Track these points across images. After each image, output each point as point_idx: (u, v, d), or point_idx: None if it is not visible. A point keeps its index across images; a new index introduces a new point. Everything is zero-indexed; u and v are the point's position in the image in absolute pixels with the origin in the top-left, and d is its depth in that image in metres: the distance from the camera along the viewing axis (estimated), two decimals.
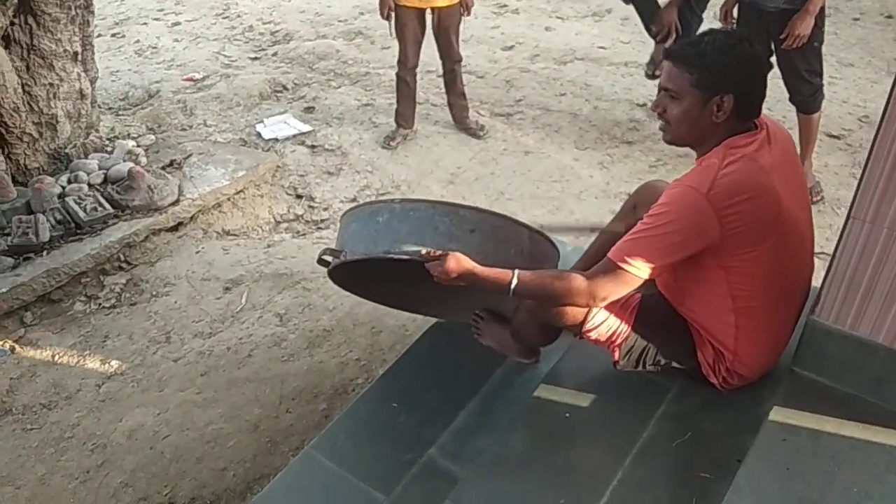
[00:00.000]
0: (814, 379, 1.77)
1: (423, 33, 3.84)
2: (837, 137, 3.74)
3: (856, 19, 5.02)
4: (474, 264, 1.70)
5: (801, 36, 3.04)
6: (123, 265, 3.09)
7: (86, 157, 3.51)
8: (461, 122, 4.08)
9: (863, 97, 4.12)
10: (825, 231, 3.08)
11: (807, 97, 3.26)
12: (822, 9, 3.10)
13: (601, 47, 4.95)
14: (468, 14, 3.80)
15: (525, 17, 5.47)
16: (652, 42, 4.24)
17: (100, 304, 2.94)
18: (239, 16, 5.96)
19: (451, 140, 4.04)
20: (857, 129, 3.85)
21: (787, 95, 3.44)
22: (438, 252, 1.72)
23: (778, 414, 1.68)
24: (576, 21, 5.41)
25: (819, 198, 3.34)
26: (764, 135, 1.64)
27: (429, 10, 3.74)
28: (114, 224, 3.12)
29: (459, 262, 1.69)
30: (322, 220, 3.39)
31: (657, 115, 1.71)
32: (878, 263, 1.57)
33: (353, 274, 2.04)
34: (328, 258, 1.91)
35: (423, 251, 1.73)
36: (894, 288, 1.58)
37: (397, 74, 3.97)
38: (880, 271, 1.57)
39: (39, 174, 3.39)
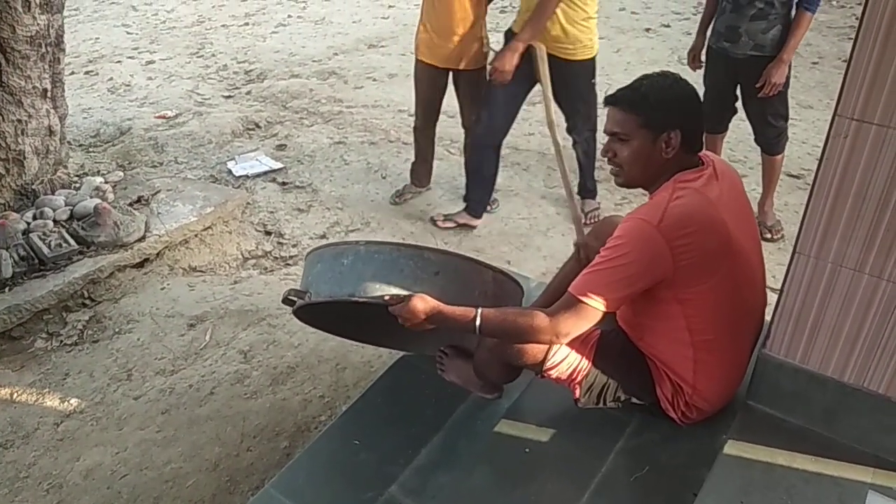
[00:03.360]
0: (767, 412, 1.79)
1: (438, 94, 3.57)
2: (797, 177, 3.85)
3: (815, 63, 5.21)
4: (438, 304, 1.72)
5: (776, 84, 3.15)
6: (87, 302, 3.06)
7: (52, 194, 3.49)
8: None
9: (821, 138, 4.19)
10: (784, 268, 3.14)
11: (771, 139, 3.36)
12: None
13: None
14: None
15: None
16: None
17: (61, 342, 2.90)
18: (213, 55, 6.03)
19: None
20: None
21: (749, 136, 3.55)
22: (403, 294, 1.74)
23: (732, 447, 1.70)
24: None
25: (780, 235, 3.42)
26: (710, 170, 1.71)
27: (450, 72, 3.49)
28: (78, 260, 3.09)
29: (425, 301, 1.71)
30: (290, 257, 3.40)
31: (608, 160, 1.77)
32: (824, 297, 1.61)
33: (318, 313, 2.05)
34: (293, 298, 1.92)
35: (387, 296, 1.75)
36: (841, 322, 1.62)
37: (413, 130, 3.79)
38: (826, 305, 1.62)
39: (5, 210, 3.36)
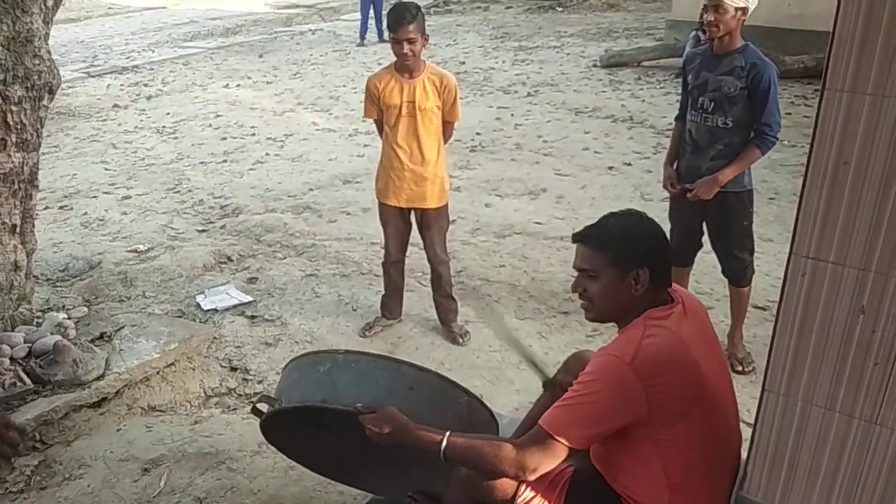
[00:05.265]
0: None
1: (407, 230, 3.72)
2: (763, 309, 3.89)
3: (771, 199, 5.43)
4: (408, 421, 1.69)
5: (700, 196, 3.22)
6: (38, 445, 2.90)
7: (13, 330, 3.39)
8: (446, 324, 3.80)
9: (783, 270, 4.35)
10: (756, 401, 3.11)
11: (738, 272, 3.43)
12: (751, 191, 3.34)
13: (537, 223, 5.19)
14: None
15: (466, 194, 5.76)
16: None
17: (6, 489, 2.71)
18: (190, 190, 6.13)
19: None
20: None
21: (714, 268, 3.62)
22: (374, 406, 1.71)
23: None
24: (513, 198, 5.71)
25: (750, 368, 3.41)
26: (680, 308, 1.72)
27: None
28: (32, 400, 2.96)
29: (394, 417, 1.68)
30: (255, 394, 3.28)
31: (578, 296, 1.78)
32: (798, 436, 1.58)
33: (287, 427, 1.99)
34: (263, 407, 1.88)
35: (359, 405, 1.71)
36: (817, 461, 1.57)
37: (382, 265, 3.87)
38: (801, 444, 1.58)
39: None
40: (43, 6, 3.23)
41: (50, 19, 3.38)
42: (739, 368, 3.38)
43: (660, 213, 4.43)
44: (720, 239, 3.39)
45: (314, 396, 1.78)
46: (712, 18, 3.03)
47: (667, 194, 3.62)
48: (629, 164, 6.30)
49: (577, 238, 1.78)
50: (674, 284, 1.80)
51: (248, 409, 3.18)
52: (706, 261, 3.82)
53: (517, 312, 4.04)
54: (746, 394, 3.01)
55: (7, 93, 3.13)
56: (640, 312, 1.70)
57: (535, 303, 4.12)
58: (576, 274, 1.79)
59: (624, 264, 1.68)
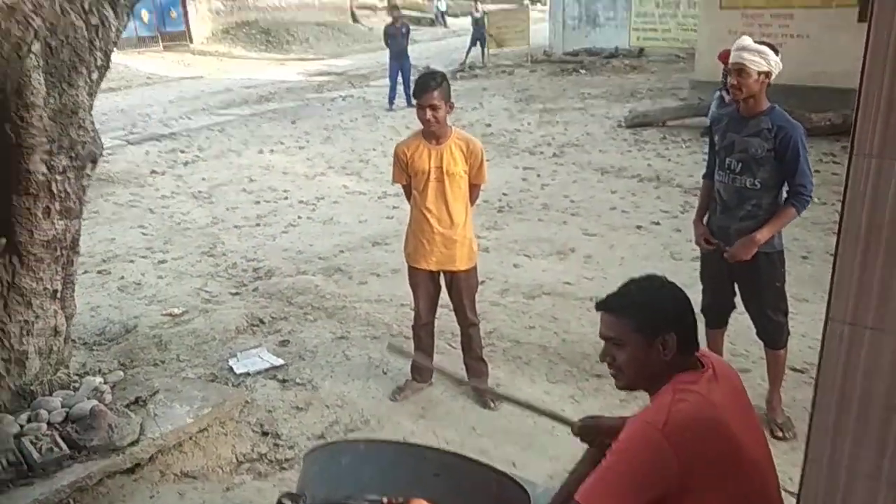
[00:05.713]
0: None
1: (437, 292, 3.75)
2: (801, 371, 3.81)
3: (804, 257, 5.37)
4: None
5: (737, 257, 3.20)
6: None
7: (50, 395, 3.45)
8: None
9: (820, 331, 4.27)
10: (799, 469, 3.01)
11: (773, 334, 3.38)
12: (781, 252, 3.32)
13: (566, 283, 5.18)
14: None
15: (495, 255, 5.79)
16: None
17: None
18: (224, 254, 6.25)
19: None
20: None
21: (750, 329, 3.56)
22: (401, 499, 1.67)
23: None
24: (542, 258, 5.73)
25: (791, 434, 3.32)
26: (710, 373, 1.70)
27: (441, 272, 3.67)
28: (68, 466, 2.98)
29: None
30: (286, 460, 3.28)
31: (607, 365, 1.77)
32: None
33: None
34: (286, 502, 1.84)
35: (385, 500, 1.68)
36: None
37: (412, 327, 3.91)
38: None
39: (0, 412, 3.31)
40: (88, 79, 3.38)
41: (94, 91, 3.53)
42: (779, 434, 3.29)
43: (690, 272, 4.42)
44: (753, 300, 3.36)
45: (339, 492, 1.74)
46: (735, 82, 3.08)
47: (697, 254, 3.61)
48: (657, 224, 6.30)
49: (600, 306, 1.77)
50: (703, 349, 1.79)
51: (279, 475, 3.17)
52: (740, 321, 3.76)
53: (548, 375, 4.00)
54: (787, 461, 2.91)
55: (52, 163, 3.25)
56: (669, 378, 1.68)
57: (567, 365, 4.08)
58: (603, 342, 1.78)
59: (650, 330, 1.68)
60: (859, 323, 1.42)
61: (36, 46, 2.95)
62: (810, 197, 3.15)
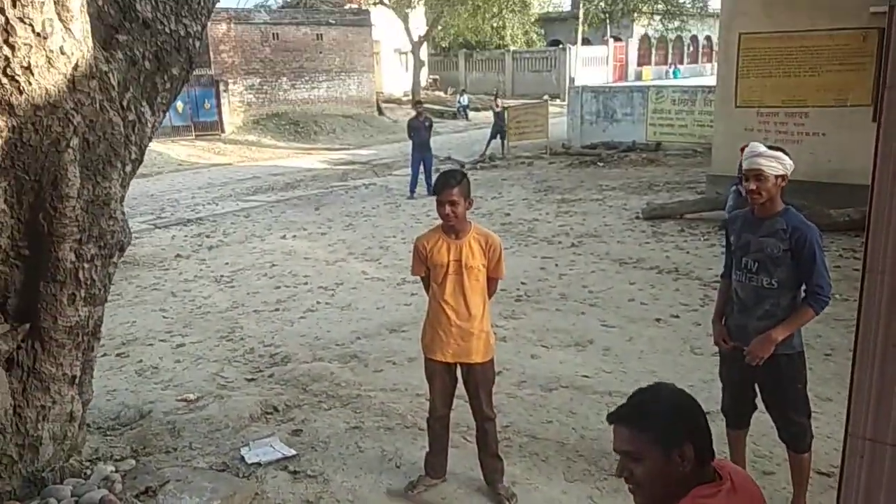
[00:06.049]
0: None
1: (453, 384, 3.74)
2: (827, 475, 3.68)
3: (827, 355, 5.28)
4: None
5: (755, 355, 3.16)
6: None
7: (61, 482, 3.43)
8: (492, 485, 3.71)
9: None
10: None
11: (796, 436, 3.30)
12: (802, 353, 3.29)
13: (585, 376, 5.12)
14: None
15: (512, 345, 5.76)
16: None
17: None
18: (242, 338, 6.28)
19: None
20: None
21: (773, 429, 3.48)
22: None
23: None
24: (559, 349, 5.68)
25: None
26: (729, 485, 1.65)
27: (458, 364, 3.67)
28: None
29: None
30: None
31: (625, 480, 1.72)
32: None
33: None
34: None
35: None
36: None
37: (427, 420, 3.86)
38: None
39: (9, 499, 3.28)
40: (122, 172, 3.51)
41: (127, 183, 3.67)
42: None
43: (710, 367, 4.37)
44: (774, 402, 3.30)
45: None
46: (754, 187, 3.12)
47: (717, 349, 3.58)
48: (676, 317, 6.26)
49: (613, 419, 1.72)
50: (721, 460, 1.74)
51: None
52: (763, 421, 3.68)
53: (566, 474, 3.90)
54: None
55: (81, 251, 3.34)
56: (687, 491, 1.63)
57: (585, 463, 3.98)
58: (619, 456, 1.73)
59: (667, 442, 1.63)
60: (879, 439, 1.40)
61: (74, 141, 3.09)
62: (828, 298, 3.14)
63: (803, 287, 3.19)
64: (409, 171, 13.61)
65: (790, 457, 3.36)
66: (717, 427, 3.59)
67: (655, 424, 1.64)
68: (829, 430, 4.09)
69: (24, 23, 2.80)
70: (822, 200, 8.30)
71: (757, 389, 3.40)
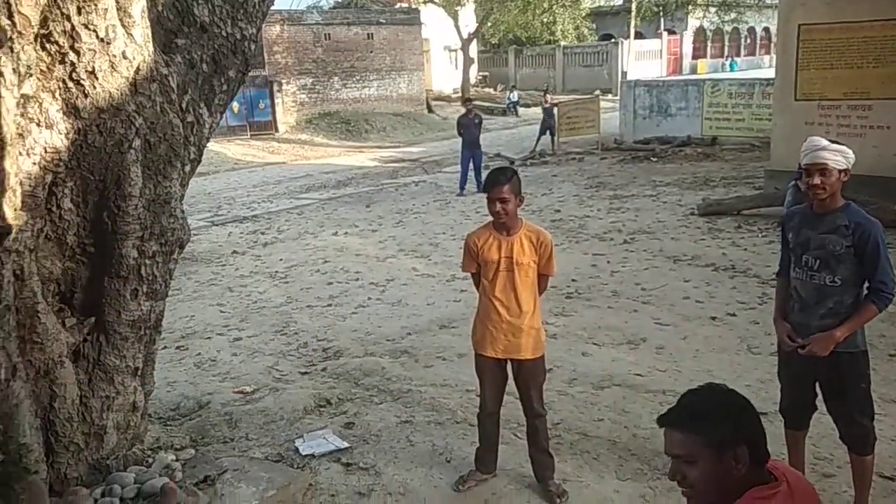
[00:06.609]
0: None
1: (503, 381, 3.74)
2: (891, 479, 3.56)
3: (892, 355, 5.09)
4: None
5: (814, 353, 3.08)
6: None
7: (125, 470, 3.56)
8: (542, 481, 3.70)
9: None
10: None
11: (858, 439, 3.20)
12: (865, 352, 3.19)
13: (637, 374, 5.05)
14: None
15: (562, 342, 5.72)
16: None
17: None
18: (296, 333, 6.41)
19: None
20: None
21: (833, 431, 3.38)
22: None
23: None
24: (611, 347, 5.62)
25: None
26: (785, 488, 1.61)
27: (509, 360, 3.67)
28: None
29: None
30: None
31: (678, 483, 1.69)
32: None
33: None
34: None
35: None
36: None
37: (477, 416, 3.88)
38: None
39: (77, 485, 3.42)
40: (181, 172, 3.63)
41: (186, 182, 3.79)
42: None
43: (769, 367, 4.26)
44: (835, 402, 3.20)
45: None
46: (818, 182, 3.03)
47: (776, 348, 3.49)
48: (733, 315, 6.11)
49: (663, 422, 1.69)
50: (775, 461, 1.70)
51: None
52: (824, 422, 3.57)
53: (618, 472, 3.86)
54: None
55: (143, 248, 3.47)
56: (742, 493, 1.60)
57: (638, 462, 3.94)
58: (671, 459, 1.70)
59: (721, 444, 1.59)
60: None
61: (136, 143, 3.21)
62: (892, 295, 3.04)
63: (866, 284, 3.09)
64: (458, 168, 13.64)
65: (852, 459, 3.26)
66: (776, 428, 3.51)
67: (707, 426, 1.61)
68: (892, 434, 3.95)
69: (89, 29, 2.92)
70: (886, 195, 7.98)
71: (818, 390, 3.30)
